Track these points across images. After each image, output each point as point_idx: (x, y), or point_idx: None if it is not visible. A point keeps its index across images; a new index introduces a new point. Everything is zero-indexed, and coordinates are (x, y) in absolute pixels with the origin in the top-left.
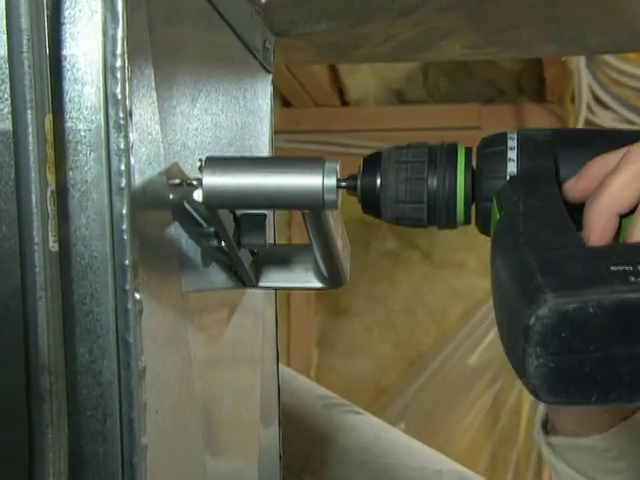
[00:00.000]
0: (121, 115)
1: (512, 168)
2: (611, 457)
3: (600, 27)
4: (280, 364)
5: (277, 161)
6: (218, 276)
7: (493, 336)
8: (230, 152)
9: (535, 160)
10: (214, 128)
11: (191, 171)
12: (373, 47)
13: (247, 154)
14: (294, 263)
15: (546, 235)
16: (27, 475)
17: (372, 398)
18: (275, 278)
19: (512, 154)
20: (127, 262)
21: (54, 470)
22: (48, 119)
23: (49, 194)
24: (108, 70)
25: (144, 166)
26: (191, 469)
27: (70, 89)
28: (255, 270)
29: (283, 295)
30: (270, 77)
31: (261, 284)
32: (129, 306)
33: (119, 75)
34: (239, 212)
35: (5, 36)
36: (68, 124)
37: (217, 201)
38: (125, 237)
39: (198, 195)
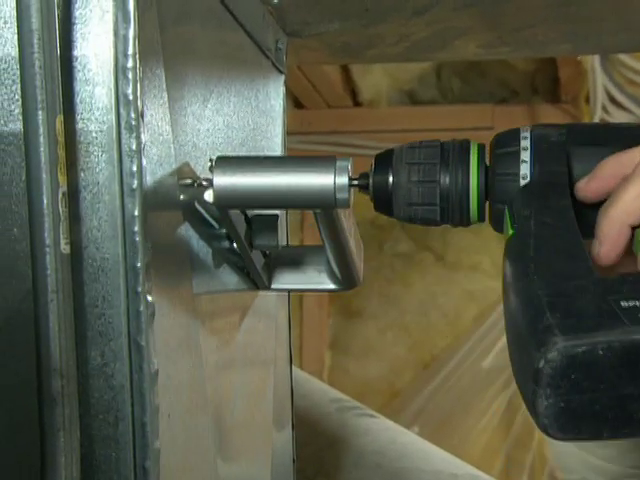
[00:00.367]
0: (133, 116)
1: (525, 170)
2: None
3: (616, 26)
4: (293, 367)
5: (288, 160)
6: (230, 278)
7: None
8: (242, 153)
9: (548, 164)
10: (226, 129)
11: (202, 172)
12: (386, 47)
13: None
14: (307, 264)
15: (557, 262)
16: (39, 479)
17: (386, 401)
18: (288, 280)
19: (525, 155)
20: (139, 264)
21: (66, 474)
22: (59, 120)
23: (60, 196)
24: (119, 70)
25: (155, 167)
26: (203, 473)
27: (81, 90)
28: (267, 272)
29: (295, 297)
30: (282, 78)
31: (274, 286)
32: (141, 309)
33: (130, 76)
34: (251, 213)
35: (16, 36)
36: (79, 125)
37: (228, 201)
38: (137, 239)
39: (209, 196)
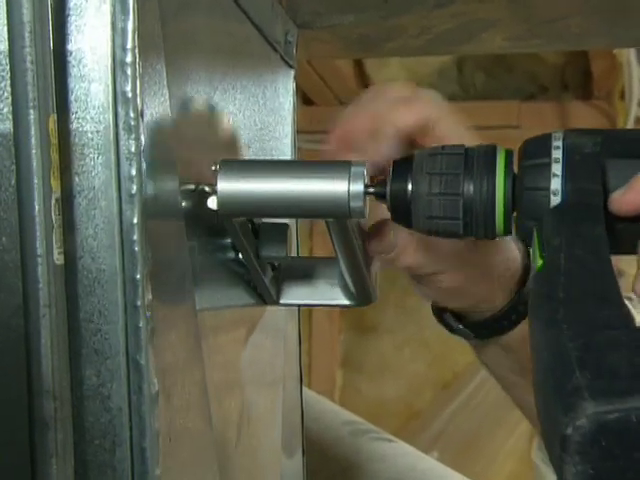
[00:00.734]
0: (132, 115)
1: (556, 185)
2: None
3: None
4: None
5: (299, 165)
6: (235, 292)
7: None
8: (248, 155)
9: (581, 180)
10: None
11: (206, 177)
12: (406, 40)
13: (267, 157)
14: (318, 278)
15: (589, 308)
16: None
17: (403, 423)
18: (298, 294)
19: (557, 168)
20: (138, 276)
21: None
22: (52, 120)
23: (53, 202)
24: (117, 66)
25: (156, 171)
26: None
27: (76, 87)
28: (276, 285)
29: (304, 310)
30: (292, 73)
31: (282, 301)
32: (140, 324)
33: (129, 71)
34: (258, 221)
35: (6, 29)
36: (74, 125)
37: (233, 209)
38: (136, 249)
39: (212, 202)
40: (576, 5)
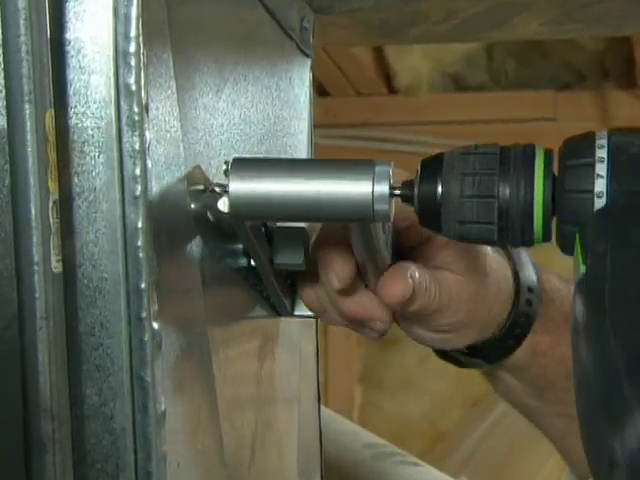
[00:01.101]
0: (135, 110)
1: (601, 187)
2: None
3: None
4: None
5: (318, 164)
6: (247, 302)
7: None
8: (261, 152)
9: (628, 182)
10: (242, 124)
11: (216, 175)
12: (431, 26)
13: (281, 154)
14: None
15: (637, 316)
16: None
17: (428, 445)
18: None
19: (601, 169)
20: (143, 285)
21: None
22: (49, 115)
23: (51, 204)
24: (120, 56)
25: (162, 170)
26: None
27: (75, 79)
28: (291, 295)
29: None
30: (309, 62)
31: (298, 312)
32: (145, 338)
33: (133, 62)
34: (272, 225)
35: None
36: (73, 121)
37: (246, 211)
38: (141, 255)
39: (223, 204)
40: None
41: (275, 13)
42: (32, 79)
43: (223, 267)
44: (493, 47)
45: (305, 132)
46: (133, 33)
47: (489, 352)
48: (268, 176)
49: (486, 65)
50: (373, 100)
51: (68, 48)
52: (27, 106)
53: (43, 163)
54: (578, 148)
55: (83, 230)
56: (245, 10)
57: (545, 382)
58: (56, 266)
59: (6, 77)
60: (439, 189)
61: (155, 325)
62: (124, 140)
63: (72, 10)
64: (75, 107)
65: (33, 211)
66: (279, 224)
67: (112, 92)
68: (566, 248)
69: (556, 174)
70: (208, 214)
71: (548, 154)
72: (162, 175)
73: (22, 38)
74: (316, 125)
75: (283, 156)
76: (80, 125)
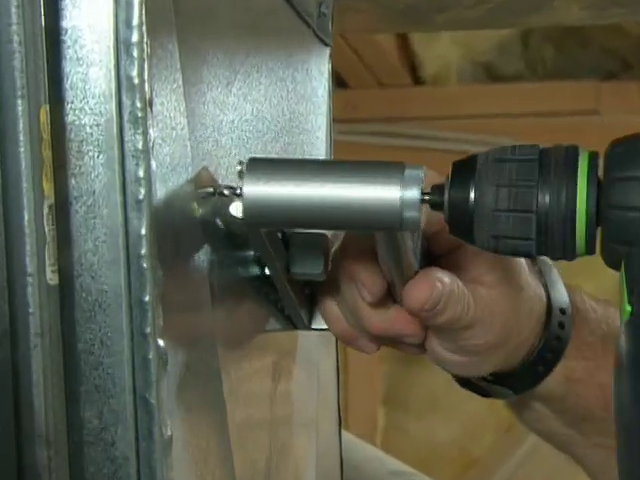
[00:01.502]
0: (138, 105)
1: None
2: None
3: None
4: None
5: (341, 166)
6: (260, 315)
7: None
8: (276, 151)
9: None
10: (255, 120)
11: (225, 177)
12: (462, 11)
13: (298, 152)
14: None
15: None
16: None
17: (458, 472)
18: None
19: None
20: (147, 298)
21: None
22: (44, 111)
23: (46, 209)
24: (121, 46)
25: (167, 171)
26: None
27: (72, 72)
28: (308, 307)
29: None
30: (327, 51)
31: (316, 325)
32: (150, 356)
33: (135, 53)
34: (289, 231)
35: None
36: (70, 117)
37: (261, 217)
38: (144, 265)
39: (236, 209)
40: None
41: None
42: (25, 72)
43: (234, 276)
44: (529, 33)
45: (323, 128)
46: (136, 21)
47: (517, 380)
48: (286, 179)
49: (521, 53)
50: (397, 92)
51: (64, 38)
52: (20, 102)
53: (37, 164)
54: (626, 157)
55: (81, 237)
56: None
57: (583, 412)
58: (52, 277)
59: None
60: (471, 196)
61: (160, 342)
62: (126, 139)
63: None
64: (72, 102)
65: (26, 217)
66: (297, 230)
67: (113, 86)
68: (611, 264)
69: (601, 181)
70: (218, 220)
71: (592, 157)
72: (167, 177)
73: (14, 27)
74: (335, 120)
75: (299, 155)
76: (78, 122)
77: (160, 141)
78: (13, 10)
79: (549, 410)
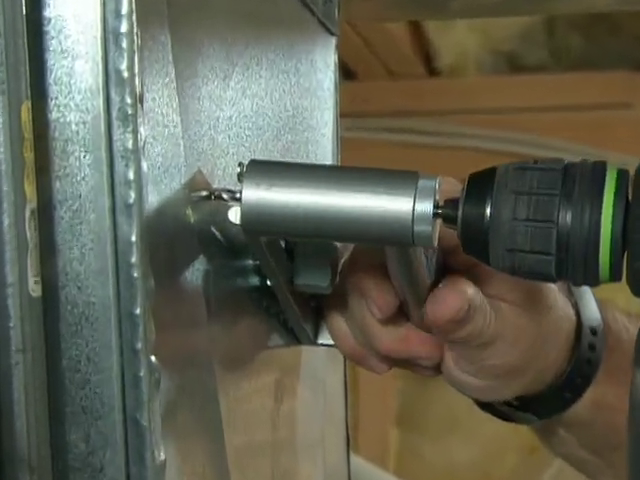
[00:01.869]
0: (128, 101)
1: None
2: None
3: None
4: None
5: (350, 173)
6: (261, 329)
7: None
8: (277, 149)
9: None
10: (255, 116)
11: (223, 179)
12: None
13: (301, 151)
14: None
15: None
16: None
17: None
18: None
19: None
20: (138, 310)
21: None
22: (26, 108)
23: (28, 214)
24: (109, 37)
25: (160, 173)
26: None
27: (56, 65)
28: (314, 321)
29: None
30: (333, 41)
31: (321, 340)
32: (141, 373)
33: (125, 44)
34: (292, 239)
35: None
36: (54, 114)
37: (260, 225)
38: (135, 275)
39: (234, 215)
40: None
41: None
42: (5, 65)
43: (232, 287)
44: (554, 20)
45: (330, 124)
46: (125, 9)
47: (542, 405)
48: (289, 184)
49: (546, 41)
50: (410, 84)
51: (47, 28)
52: None
53: (18, 165)
54: None
55: (66, 245)
56: None
57: (614, 441)
58: (34, 288)
59: None
60: (487, 211)
61: (152, 358)
62: (114, 137)
63: None
64: (56, 98)
65: (6, 222)
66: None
67: (100, 80)
68: (638, 292)
69: (630, 199)
70: (213, 227)
71: (621, 175)
72: (159, 179)
73: None
74: (342, 114)
75: (303, 153)
76: (62, 120)
77: (151, 140)
78: None
79: (574, 437)
